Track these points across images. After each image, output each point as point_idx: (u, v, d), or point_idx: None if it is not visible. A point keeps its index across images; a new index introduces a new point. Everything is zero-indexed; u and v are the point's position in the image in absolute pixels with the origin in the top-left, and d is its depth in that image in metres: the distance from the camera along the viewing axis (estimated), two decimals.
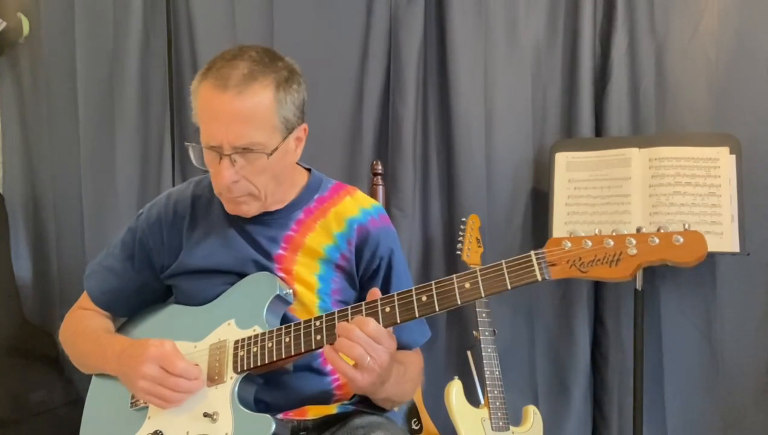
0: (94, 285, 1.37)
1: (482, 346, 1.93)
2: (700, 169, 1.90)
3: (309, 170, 1.34)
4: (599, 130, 2.19)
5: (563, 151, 2.08)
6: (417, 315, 1.06)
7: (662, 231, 0.97)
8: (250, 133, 1.13)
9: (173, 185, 2.19)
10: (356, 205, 1.30)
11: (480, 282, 1.03)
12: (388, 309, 1.07)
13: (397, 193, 2.20)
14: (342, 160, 2.27)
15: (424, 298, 1.06)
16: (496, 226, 2.22)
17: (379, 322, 1.07)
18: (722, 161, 1.89)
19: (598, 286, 2.19)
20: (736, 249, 1.83)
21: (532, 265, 1.01)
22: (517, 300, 2.21)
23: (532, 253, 1.02)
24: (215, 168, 1.16)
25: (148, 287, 1.35)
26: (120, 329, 1.38)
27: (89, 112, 2.33)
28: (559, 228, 2.03)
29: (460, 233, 2.07)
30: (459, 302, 1.04)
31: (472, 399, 1.93)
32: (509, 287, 1.02)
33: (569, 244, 1.00)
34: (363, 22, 2.26)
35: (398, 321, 1.07)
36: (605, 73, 2.17)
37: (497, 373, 1.92)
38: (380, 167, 2.05)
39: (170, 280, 1.33)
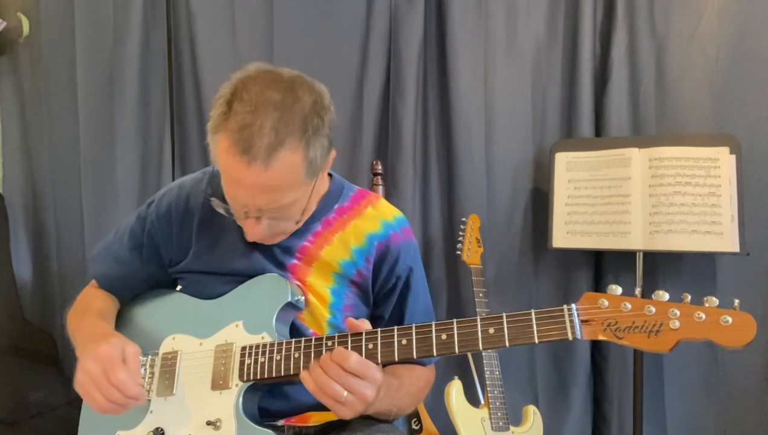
0: (100, 270, 1.35)
1: None
2: (700, 169, 1.90)
3: (330, 175, 1.27)
4: (599, 130, 2.19)
5: (563, 151, 2.08)
6: (435, 353, 1.01)
7: (708, 305, 0.90)
8: (278, 199, 1.06)
9: None
10: (378, 217, 1.25)
11: (505, 330, 0.98)
12: (404, 342, 1.02)
13: (397, 193, 2.20)
14: (342, 160, 2.27)
15: (443, 337, 1.01)
16: (496, 226, 2.22)
17: (394, 355, 1.02)
18: (722, 161, 1.89)
19: (598, 286, 2.20)
20: (736, 249, 1.83)
21: (564, 320, 0.95)
22: (518, 299, 2.21)
23: (565, 307, 0.95)
24: (241, 219, 1.13)
25: (155, 278, 1.33)
26: (125, 311, 1.35)
27: (89, 112, 2.33)
28: (559, 228, 2.03)
29: (460, 233, 2.07)
30: (480, 348, 0.99)
31: (472, 399, 1.93)
32: (536, 341, 0.96)
33: (606, 303, 0.94)
34: (363, 22, 2.26)
35: (414, 356, 1.02)
36: (605, 73, 2.17)
37: (497, 373, 1.92)
38: (380, 167, 2.05)
39: (178, 275, 1.31)
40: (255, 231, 1.12)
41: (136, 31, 2.30)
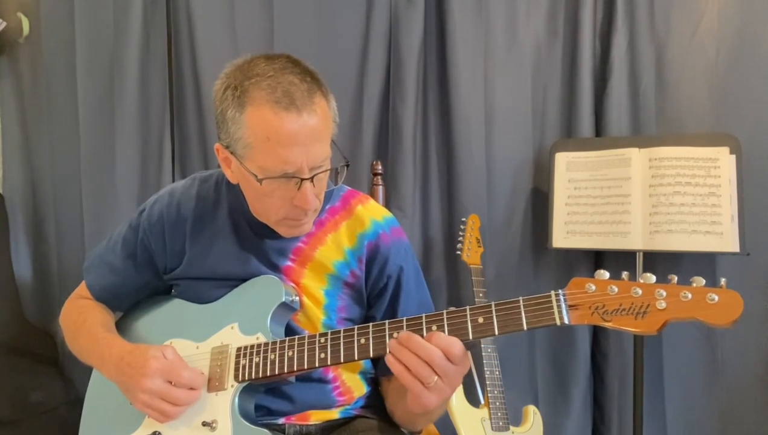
0: (94, 280, 1.34)
1: (482, 346, 1.93)
2: (700, 169, 1.90)
3: None
4: (599, 130, 2.19)
5: (563, 151, 2.08)
6: None
7: (696, 285, 0.90)
8: (323, 149, 1.09)
9: None
10: (368, 216, 1.25)
11: (494, 318, 0.99)
12: (396, 335, 1.04)
13: (397, 193, 2.20)
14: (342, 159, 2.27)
15: (433, 328, 1.02)
16: (496, 226, 2.22)
17: (385, 348, 1.03)
18: (722, 161, 1.89)
19: None
20: (736, 249, 1.83)
21: (551, 306, 0.95)
22: None
23: (553, 293, 0.96)
24: (286, 195, 1.10)
25: (149, 286, 1.34)
26: (122, 320, 1.35)
27: (89, 111, 2.32)
28: (559, 228, 2.03)
29: (460, 233, 2.07)
30: (471, 338, 0.99)
31: (472, 399, 1.93)
32: (525, 328, 0.96)
33: (593, 287, 0.95)
34: (363, 22, 2.26)
35: None
36: (605, 73, 2.17)
37: (497, 373, 1.92)
38: (380, 167, 2.05)
39: (173, 282, 1.32)
40: (312, 197, 1.09)
41: (136, 31, 2.29)
